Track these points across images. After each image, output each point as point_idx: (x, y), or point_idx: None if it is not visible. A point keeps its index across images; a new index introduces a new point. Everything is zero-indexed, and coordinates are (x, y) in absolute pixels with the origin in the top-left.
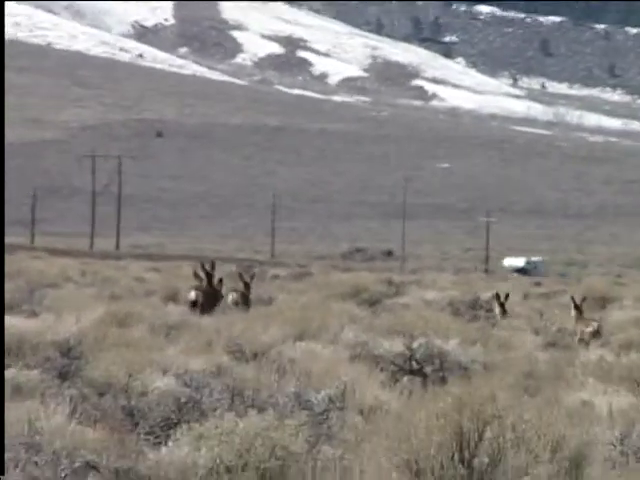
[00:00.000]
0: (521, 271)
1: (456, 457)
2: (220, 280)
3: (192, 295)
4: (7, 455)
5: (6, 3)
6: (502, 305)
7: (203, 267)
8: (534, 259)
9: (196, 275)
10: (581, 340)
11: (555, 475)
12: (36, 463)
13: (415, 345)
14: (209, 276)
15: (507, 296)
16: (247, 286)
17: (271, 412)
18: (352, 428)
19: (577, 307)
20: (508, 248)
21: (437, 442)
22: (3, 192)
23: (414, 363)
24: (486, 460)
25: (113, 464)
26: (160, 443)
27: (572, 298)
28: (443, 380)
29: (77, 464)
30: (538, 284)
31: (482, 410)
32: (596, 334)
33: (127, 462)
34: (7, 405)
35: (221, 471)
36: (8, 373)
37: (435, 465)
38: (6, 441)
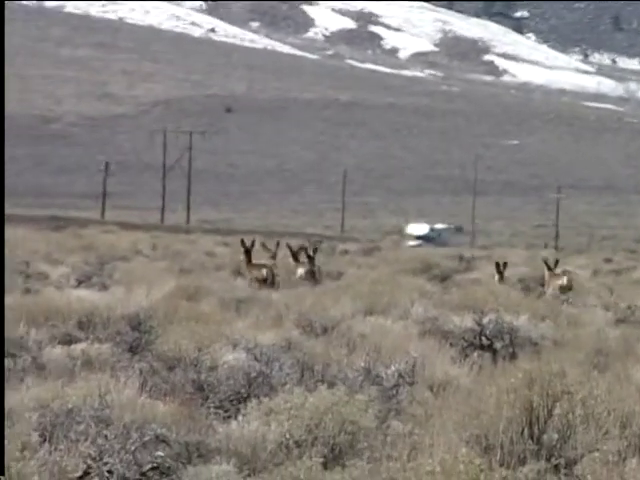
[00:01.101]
0: (424, 239)
1: (525, 433)
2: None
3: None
4: (78, 428)
5: None
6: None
7: (244, 244)
8: (438, 226)
9: (264, 247)
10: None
11: (625, 451)
12: (106, 436)
13: (485, 321)
14: (248, 253)
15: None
16: (311, 259)
17: (341, 387)
18: (422, 403)
19: (549, 268)
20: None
21: (507, 418)
22: (3, 178)
23: (484, 339)
24: (555, 436)
25: (183, 438)
26: (230, 417)
27: (545, 267)
28: (513, 356)
29: (147, 437)
30: (609, 261)
31: (552, 386)
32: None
33: (197, 436)
34: (78, 378)
35: (291, 446)
36: (79, 346)
37: (504, 440)
38: (77, 414)
